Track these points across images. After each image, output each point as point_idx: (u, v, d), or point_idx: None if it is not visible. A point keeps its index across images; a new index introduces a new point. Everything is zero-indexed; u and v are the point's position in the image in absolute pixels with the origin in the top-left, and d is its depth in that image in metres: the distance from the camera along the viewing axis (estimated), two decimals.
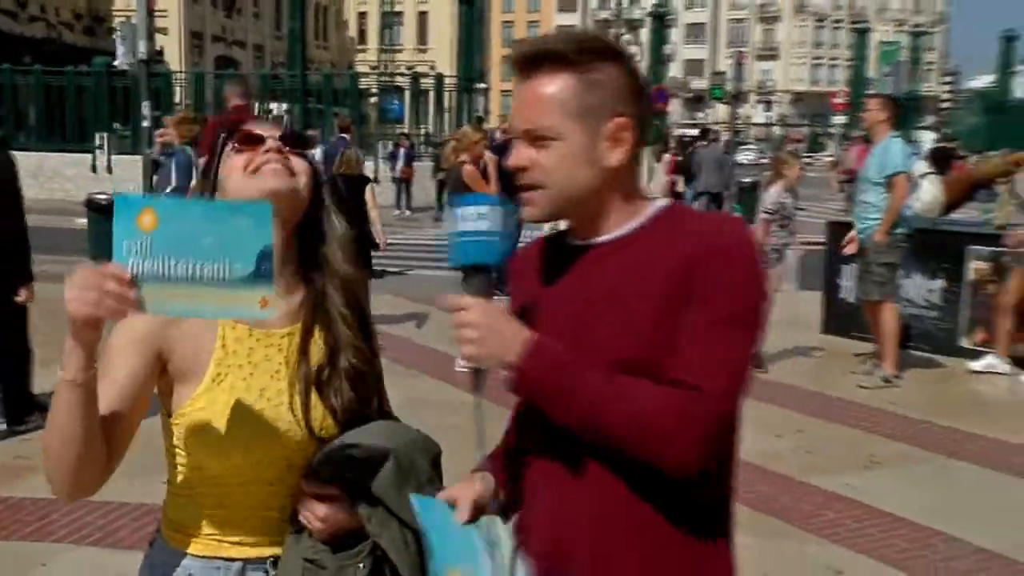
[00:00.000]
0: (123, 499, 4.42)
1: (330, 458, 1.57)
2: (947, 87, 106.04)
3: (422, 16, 76.74)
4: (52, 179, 22.14)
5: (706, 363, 1.39)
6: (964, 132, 32.30)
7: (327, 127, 23.14)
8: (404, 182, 21.28)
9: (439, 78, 27.87)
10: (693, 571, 1.49)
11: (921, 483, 5.14)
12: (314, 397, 1.61)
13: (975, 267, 7.88)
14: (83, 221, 6.25)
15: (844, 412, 6.40)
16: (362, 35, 77.18)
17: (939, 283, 8.16)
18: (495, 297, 1.46)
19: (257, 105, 24.16)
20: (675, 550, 1.48)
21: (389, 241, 9.35)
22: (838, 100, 34.67)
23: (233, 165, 1.63)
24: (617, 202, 1.52)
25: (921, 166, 7.13)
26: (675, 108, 62.90)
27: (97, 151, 22.27)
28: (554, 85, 1.47)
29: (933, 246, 8.01)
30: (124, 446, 1.56)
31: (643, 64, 26.52)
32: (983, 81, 67.14)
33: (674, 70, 70.18)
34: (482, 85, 26.54)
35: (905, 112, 8.72)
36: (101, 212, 12.73)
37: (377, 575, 1.55)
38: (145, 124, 18.04)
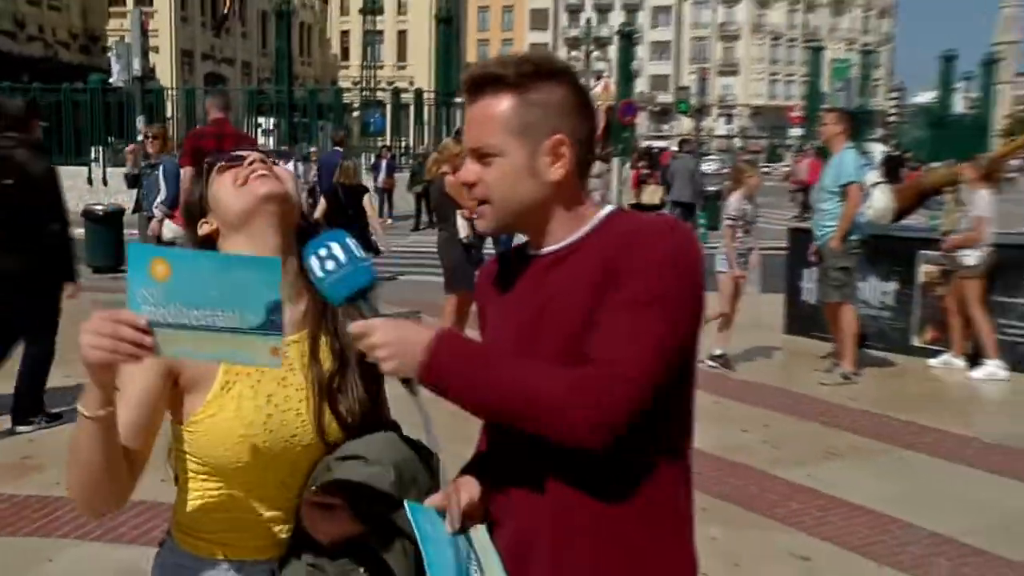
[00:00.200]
0: None
1: (333, 468, 1.55)
2: (893, 102, 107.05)
3: (402, 34, 76.63)
4: None
5: (613, 338, 1.39)
6: (909, 144, 32.67)
7: (314, 140, 23.09)
8: (386, 192, 21.26)
9: (418, 93, 27.86)
10: (648, 557, 1.49)
11: (879, 473, 5.17)
12: (323, 403, 1.60)
13: (925, 270, 7.96)
14: (80, 231, 6.18)
15: (806, 407, 6.42)
16: (345, 52, 76.99)
17: (892, 285, 8.22)
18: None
19: (245, 119, 24.09)
20: (629, 537, 1.48)
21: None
22: (795, 114, 34.88)
23: (222, 183, 1.63)
24: (562, 213, 1.52)
25: (873, 176, 7.19)
26: (642, 121, 63.09)
27: (93, 164, 22.07)
28: (496, 106, 1.48)
29: (887, 251, 8.07)
30: (144, 460, 1.55)
31: (612, 79, 26.61)
32: (926, 97, 67.96)
33: (641, 85, 70.44)
34: (459, 100, 26.45)
35: (857, 125, 8.79)
36: (97, 222, 12.66)
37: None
38: (139, 138, 17.90)
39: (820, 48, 37.95)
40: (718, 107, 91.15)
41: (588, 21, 57.60)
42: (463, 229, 7.64)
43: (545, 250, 1.54)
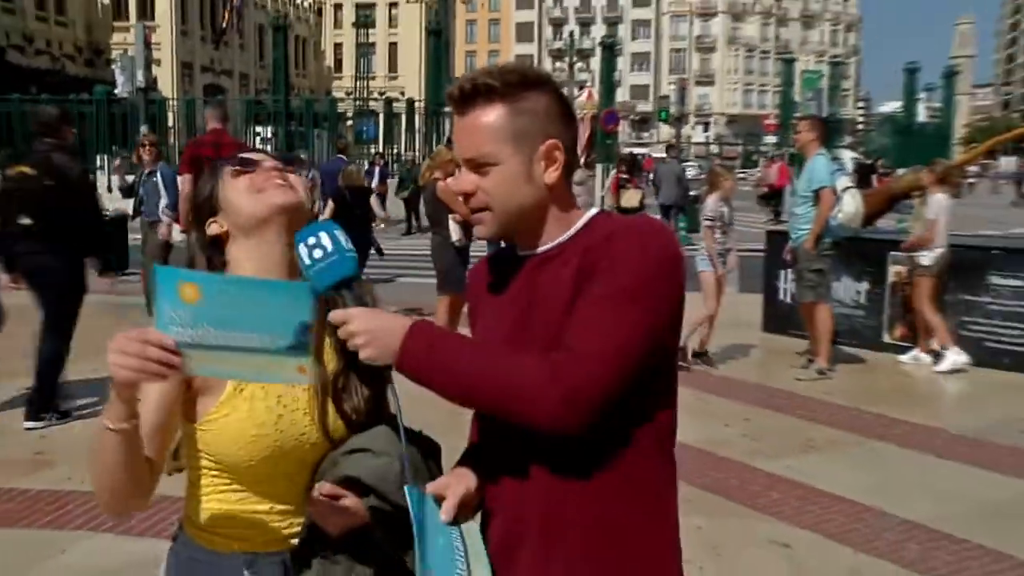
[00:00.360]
0: None
1: (340, 462, 1.55)
2: (861, 111, 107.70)
3: (392, 47, 76.50)
4: None
5: (584, 326, 1.39)
6: (877, 151, 32.83)
7: (310, 148, 23.03)
8: (379, 197, 21.20)
9: (410, 102, 27.83)
10: (635, 545, 1.49)
11: (854, 464, 5.19)
12: (329, 402, 1.59)
13: (894, 271, 8.00)
14: None
15: (784, 402, 6.44)
16: (338, 64, 76.85)
17: (864, 285, 8.27)
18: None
19: (243, 128, 24.01)
20: (617, 526, 1.48)
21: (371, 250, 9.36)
22: (769, 122, 34.96)
23: (236, 187, 1.61)
24: (554, 215, 1.53)
25: (844, 181, 7.20)
26: (623, 128, 63.23)
27: (98, 172, 21.97)
28: (488, 116, 1.47)
29: (859, 252, 8.12)
30: (163, 461, 1.55)
31: (595, 89, 26.63)
32: (891, 106, 68.36)
33: (622, 94, 70.55)
34: (448, 109, 26.47)
35: (829, 132, 8.81)
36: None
37: (387, 567, 1.54)
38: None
39: (792, 60, 37.99)
40: (695, 115, 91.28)
41: (571, 34, 57.75)
42: (455, 233, 7.64)
43: (538, 250, 1.54)
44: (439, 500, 1.51)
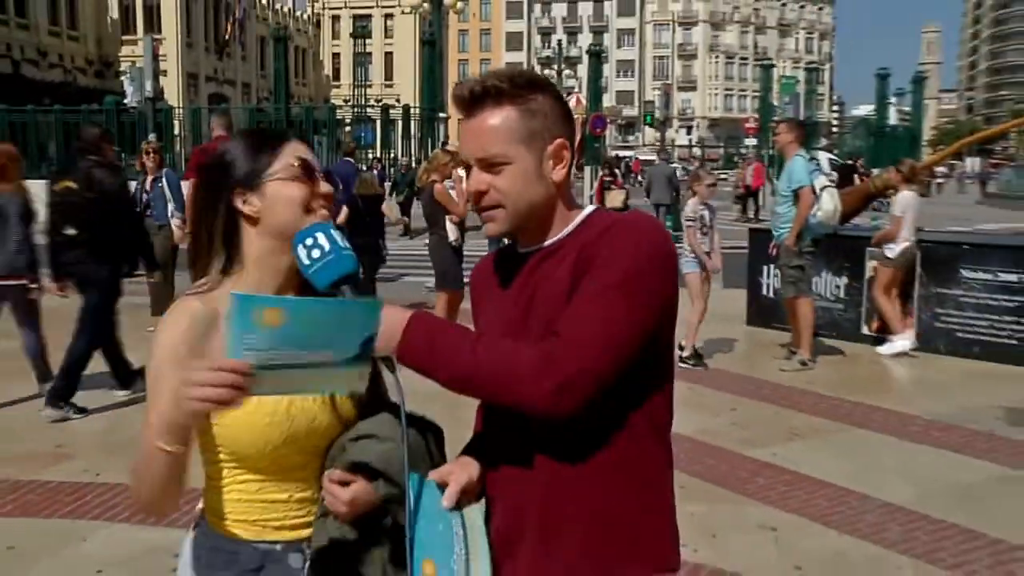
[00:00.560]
0: None
1: (348, 448, 1.53)
2: (835, 115, 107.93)
3: (388, 56, 76.25)
4: None
5: (577, 319, 1.39)
6: (851, 152, 32.87)
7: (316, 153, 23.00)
8: (351, 201, 21.03)
9: (406, 109, 27.74)
10: (633, 533, 1.49)
11: (836, 450, 5.21)
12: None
13: (872, 266, 8.01)
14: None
15: (769, 392, 6.45)
16: (336, 73, 76.61)
17: (844, 280, 8.29)
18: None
19: None
20: (616, 515, 1.47)
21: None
22: (749, 125, 34.96)
23: (290, 191, 1.53)
24: (560, 211, 1.53)
25: (822, 180, 7.19)
26: (610, 132, 63.24)
27: None
28: (499, 117, 1.46)
29: (838, 249, 8.14)
30: (191, 455, 1.53)
31: (582, 95, 26.59)
32: (864, 110, 68.50)
33: (608, 100, 70.53)
34: (443, 115, 26.45)
35: (807, 134, 8.82)
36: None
37: (399, 547, 1.54)
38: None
39: (770, 66, 38.06)
40: (679, 119, 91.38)
41: (559, 42, 57.64)
42: (452, 233, 7.64)
43: (535, 247, 1.53)
44: (442, 487, 1.50)
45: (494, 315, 1.57)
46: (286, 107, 24.15)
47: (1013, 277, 7.24)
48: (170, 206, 8.43)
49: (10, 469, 4.74)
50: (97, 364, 5.89)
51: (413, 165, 22.28)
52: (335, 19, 78.41)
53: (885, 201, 8.41)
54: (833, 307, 8.28)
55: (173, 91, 43.93)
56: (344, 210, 9.19)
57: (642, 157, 58.47)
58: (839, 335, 8.09)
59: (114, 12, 48.62)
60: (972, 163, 55.38)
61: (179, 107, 30.14)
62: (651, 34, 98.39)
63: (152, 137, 17.97)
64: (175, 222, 8.34)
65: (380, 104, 31.39)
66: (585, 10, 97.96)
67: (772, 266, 8.12)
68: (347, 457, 1.52)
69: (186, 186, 8.35)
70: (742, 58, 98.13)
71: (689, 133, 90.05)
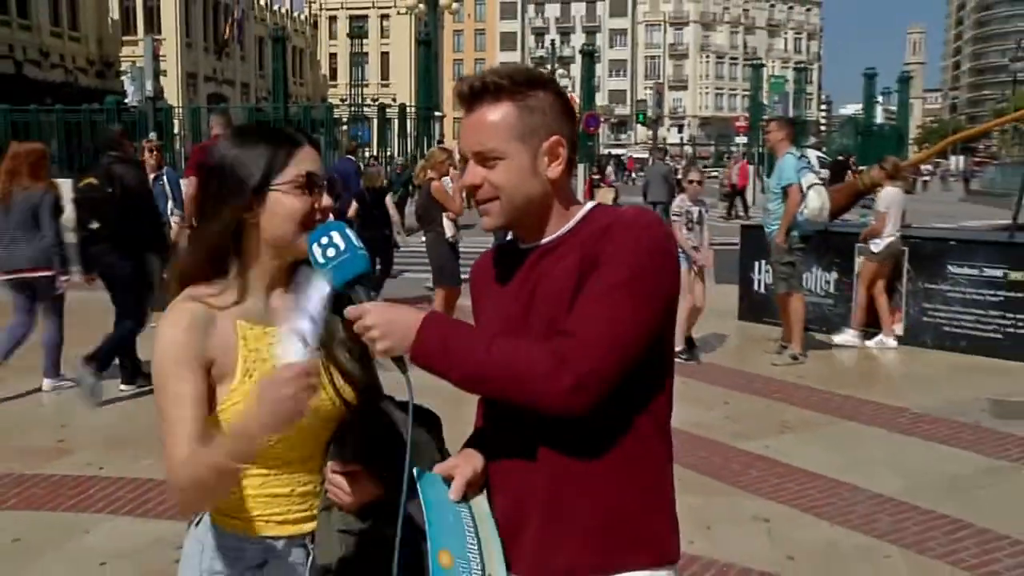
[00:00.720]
0: (150, 476, 4.40)
1: (349, 439, 1.52)
2: (823, 113, 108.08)
3: (384, 56, 76.07)
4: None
5: (588, 314, 1.38)
6: (838, 151, 32.94)
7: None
8: (359, 196, 20.98)
9: (401, 108, 27.67)
10: (635, 524, 1.49)
11: (827, 443, 5.21)
12: (336, 377, 1.55)
13: (861, 262, 8.03)
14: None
15: (761, 386, 6.45)
16: (333, 72, 76.37)
17: (833, 275, 8.29)
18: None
19: None
20: (618, 506, 1.47)
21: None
22: (739, 124, 34.96)
23: (289, 209, 1.50)
24: (557, 208, 1.52)
25: (810, 178, 7.17)
26: (602, 131, 63.17)
27: None
28: (497, 113, 1.46)
29: (828, 245, 8.14)
30: None
31: (575, 94, 26.59)
32: (851, 109, 68.56)
33: (600, 99, 70.37)
34: (438, 113, 26.40)
35: (797, 132, 8.84)
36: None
37: (404, 535, 1.52)
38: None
39: (759, 66, 38.10)
40: (670, 118, 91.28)
41: (552, 42, 57.45)
42: (449, 230, 7.62)
43: (540, 242, 1.52)
44: (448, 480, 1.49)
45: (494, 311, 1.56)
46: (284, 106, 24.06)
47: (998, 273, 7.25)
48: (169, 204, 8.43)
49: (15, 463, 4.72)
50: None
51: (408, 165, 22.22)
52: (332, 20, 78.21)
53: (871, 198, 8.40)
54: (823, 302, 8.28)
55: (173, 91, 43.75)
56: (354, 204, 9.28)
57: (636, 155, 58.49)
58: (829, 330, 8.07)
59: (115, 13, 48.42)
60: (956, 161, 55.50)
61: (179, 106, 30.02)
62: (643, 34, 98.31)
63: (152, 136, 17.92)
64: (174, 219, 8.34)
65: (377, 103, 31.28)
66: (578, 10, 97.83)
67: (764, 262, 8.11)
68: (351, 449, 1.50)
69: (185, 184, 8.34)
70: (732, 58, 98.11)
71: (680, 131, 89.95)
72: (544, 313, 1.45)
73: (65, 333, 6.08)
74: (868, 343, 7.68)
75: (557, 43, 56.90)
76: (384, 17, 76.97)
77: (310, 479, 1.56)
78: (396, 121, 27.17)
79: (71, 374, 5.89)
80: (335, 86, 70.80)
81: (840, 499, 4.31)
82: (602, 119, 35.45)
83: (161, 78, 25.17)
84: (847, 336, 7.73)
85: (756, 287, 8.75)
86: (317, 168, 1.54)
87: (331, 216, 1.55)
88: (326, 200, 1.54)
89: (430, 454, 1.54)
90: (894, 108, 39.45)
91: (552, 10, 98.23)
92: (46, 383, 6.03)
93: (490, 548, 1.47)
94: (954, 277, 7.48)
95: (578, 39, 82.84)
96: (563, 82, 52.88)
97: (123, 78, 22.05)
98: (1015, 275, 7.15)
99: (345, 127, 28.66)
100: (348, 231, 1.43)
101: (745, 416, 5.73)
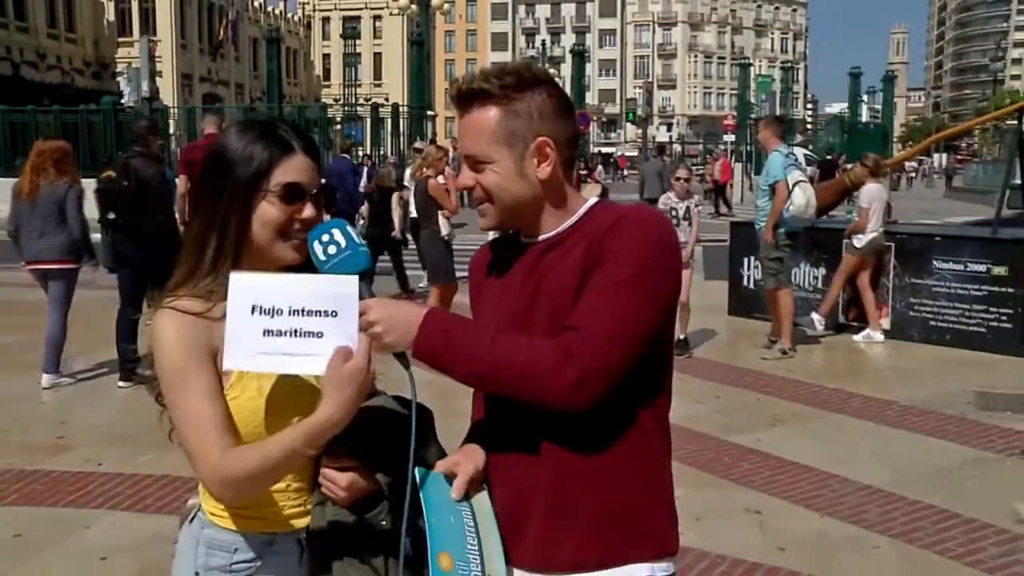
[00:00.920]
0: (149, 471, 4.39)
1: (343, 435, 1.50)
2: (809, 112, 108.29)
3: (377, 56, 75.87)
4: None
5: (592, 313, 1.38)
6: (825, 149, 33.01)
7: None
8: (367, 196, 20.96)
9: (394, 108, 27.60)
10: (635, 517, 1.48)
11: (817, 436, 5.22)
12: None
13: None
14: (98, 236, 6.26)
15: (751, 380, 6.45)
16: (327, 73, 76.15)
17: (821, 271, 8.31)
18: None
19: None
20: (619, 499, 1.46)
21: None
22: (727, 122, 34.98)
23: (267, 217, 1.49)
24: (552, 206, 1.51)
25: (796, 175, 7.18)
26: (593, 129, 63.16)
27: None
28: (483, 117, 1.47)
29: (816, 241, 8.17)
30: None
31: (567, 93, 26.59)
32: (837, 108, 68.73)
33: (590, 98, 70.36)
34: (430, 113, 26.39)
35: (785, 130, 8.85)
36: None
37: (398, 536, 1.50)
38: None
39: (747, 65, 38.17)
40: (659, 117, 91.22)
41: (543, 43, 57.61)
42: (444, 227, 7.61)
43: (539, 238, 1.52)
44: (449, 478, 1.48)
45: (495, 305, 1.55)
46: (279, 107, 23.98)
47: (982, 268, 7.28)
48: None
49: (15, 459, 4.70)
50: (100, 358, 5.84)
51: (403, 164, 22.15)
52: (325, 20, 77.95)
53: (855, 194, 8.43)
54: (812, 297, 8.29)
55: (168, 91, 43.57)
56: (365, 203, 9.41)
57: (628, 153, 58.46)
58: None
59: (111, 15, 48.17)
60: (939, 159, 55.72)
61: (174, 107, 29.95)
62: (632, 34, 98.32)
63: None
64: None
65: (370, 103, 31.22)
66: (568, 11, 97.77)
67: (753, 258, 8.11)
68: (345, 443, 1.47)
69: (180, 182, 8.29)
70: (720, 57, 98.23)
71: (669, 130, 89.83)
72: (548, 308, 1.44)
73: (74, 333, 6.08)
74: (856, 337, 7.70)
75: (547, 43, 57.01)
76: (377, 18, 76.73)
77: (305, 472, 1.53)
78: (389, 120, 27.14)
79: (69, 372, 5.86)
80: (328, 86, 70.60)
81: (830, 491, 4.32)
82: (592, 118, 35.44)
83: (157, 79, 25.08)
84: (812, 318, 7.76)
85: (746, 283, 8.76)
86: (305, 178, 1.51)
87: (326, 217, 1.53)
88: (308, 211, 1.50)
89: (425, 449, 1.53)
90: (879, 107, 39.54)
91: (542, 11, 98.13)
92: (45, 379, 6.00)
93: (490, 547, 1.46)
94: (939, 272, 7.50)
95: (568, 39, 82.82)
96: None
97: (119, 79, 21.97)
98: (998, 270, 7.19)
99: (339, 127, 28.60)
100: (349, 228, 1.42)
101: (736, 410, 5.73)
